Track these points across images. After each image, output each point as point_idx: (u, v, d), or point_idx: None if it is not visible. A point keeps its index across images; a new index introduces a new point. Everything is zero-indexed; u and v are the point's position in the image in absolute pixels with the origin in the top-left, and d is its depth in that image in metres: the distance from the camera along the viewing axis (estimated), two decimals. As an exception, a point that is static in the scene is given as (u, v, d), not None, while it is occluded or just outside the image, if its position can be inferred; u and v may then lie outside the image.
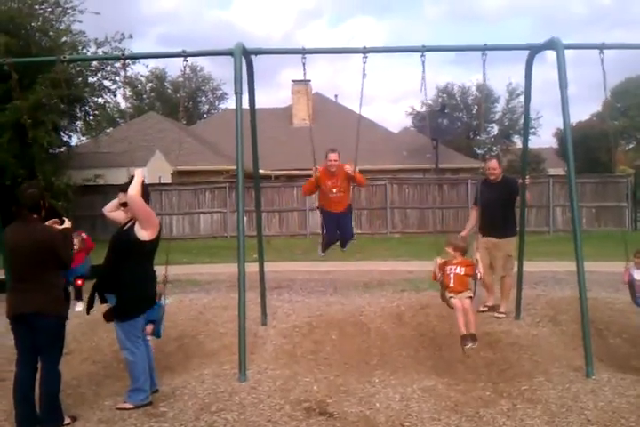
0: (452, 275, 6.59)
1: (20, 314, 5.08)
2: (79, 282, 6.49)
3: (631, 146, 54.34)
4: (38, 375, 5.14)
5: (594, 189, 22.69)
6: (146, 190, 5.62)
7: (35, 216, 5.20)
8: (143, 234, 5.45)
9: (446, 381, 6.13)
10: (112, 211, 5.93)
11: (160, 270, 5.85)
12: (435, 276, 6.72)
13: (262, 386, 6.00)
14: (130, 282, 5.43)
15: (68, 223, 5.39)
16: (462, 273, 6.56)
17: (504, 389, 5.85)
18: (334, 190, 7.98)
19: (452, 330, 7.89)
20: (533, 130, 43.57)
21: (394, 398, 5.60)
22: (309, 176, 8.13)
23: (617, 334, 7.49)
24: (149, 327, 6.14)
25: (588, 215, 22.11)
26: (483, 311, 8.38)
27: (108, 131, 25.96)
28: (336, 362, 6.86)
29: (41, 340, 5.10)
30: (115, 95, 21.10)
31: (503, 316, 8.35)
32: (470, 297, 6.52)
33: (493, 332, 7.92)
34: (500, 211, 8.25)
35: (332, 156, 7.90)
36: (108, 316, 5.50)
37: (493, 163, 8.52)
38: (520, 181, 8.28)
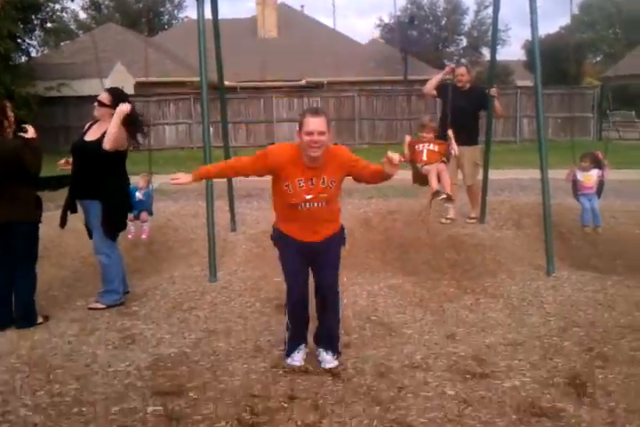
0: (424, 150, 6.48)
1: None
2: (144, 215, 6.49)
3: (598, 59, 54.31)
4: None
5: (560, 100, 22.79)
6: (135, 120, 5.51)
7: None
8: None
9: (412, 279, 6.31)
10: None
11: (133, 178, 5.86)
12: (403, 156, 6.53)
13: (233, 286, 6.12)
14: (111, 186, 5.44)
15: (32, 132, 5.20)
16: (435, 150, 6.46)
17: (468, 286, 6.05)
18: (308, 197, 4.05)
19: (419, 234, 8.06)
20: (502, 42, 43.02)
21: (361, 295, 5.77)
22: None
23: (579, 237, 7.68)
24: (144, 215, 6.38)
25: (554, 126, 22.25)
26: (444, 223, 8.43)
27: (67, 42, 24.97)
28: (305, 264, 6.96)
29: (15, 245, 5.10)
30: (72, 0, 20.22)
31: (474, 221, 8.50)
32: (443, 161, 6.45)
33: (457, 235, 8.09)
34: (467, 119, 8.21)
35: (314, 124, 3.90)
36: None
37: (462, 69, 8.35)
38: (487, 91, 8.22)
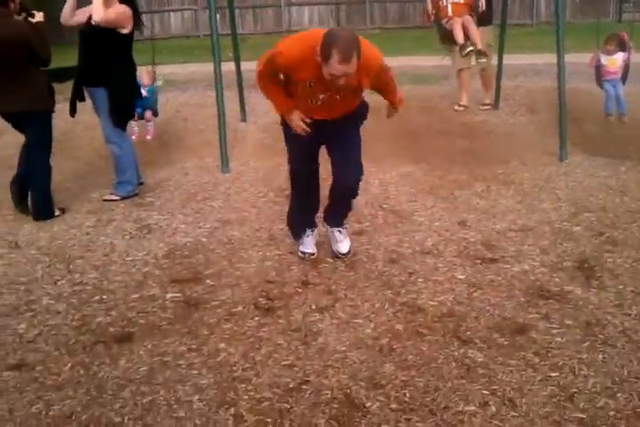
0: (448, 5, 6.24)
1: (5, 113, 5.08)
2: (148, 115, 6.34)
3: None
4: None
5: (580, -21, 21.65)
6: None
7: (4, 10, 4.88)
8: (123, 30, 5.24)
9: (423, 167, 6.29)
10: (71, 17, 5.40)
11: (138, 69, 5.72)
12: (428, 16, 6.39)
13: (245, 177, 6.15)
14: (118, 72, 5.34)
15: (40, 16, 5.02)
16: (461, 1, 6.22)
17: (479, 173, 6.04)
18: (321, 96, 3.69)
19: (430, 121, 7.98)
20: None
21: (373, 184, 5.78)
22: None
23: (593, 122, 7.55)
24: (149, 114, 6.28)
25: (571, 6, 21.21)
26: (457, 110, 8.27)
27: None
28: (316, 153, 6.93)
29: (29, 135, 5.14)
30: None
31: (488, 108, 8.36)
32: (470, 15, 6.25)
33: (471, 122, 8.01)
34: None
35: (342, 71, 3.31)
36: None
37: None
38: None
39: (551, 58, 11.36)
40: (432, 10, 6.30)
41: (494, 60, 8.22)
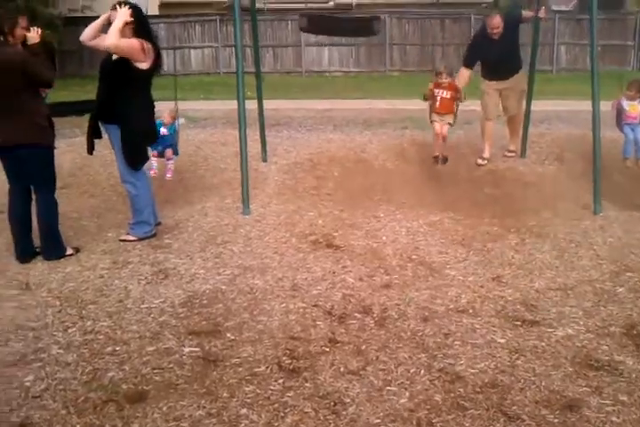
0: (438, 97, 7.15)
1: (1, 146, 4.79)
2: (169, 153, 6.17)
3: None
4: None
5: (599, 26, 21.60)
6: (142, 23, 5.17)
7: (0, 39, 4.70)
8: (141, 64, 5.07)
9: (452, 216, 6.05)
10: (92, 38, 5.25)
11: (158, 105, 5.53)
12: (425, 96, 7.28)
13: (266, 220, 5.93)
14: (134, 111, 5.11)
15: (33, 37, 4.80)
16: (448, 97, 7.12)
17: (511, 224, 5.79)
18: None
19: (455, 167, 7.76)
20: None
21: (400, 232, 5.55)
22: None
23: (621, 172, 7.33)
24: (169, 152, 6.13)
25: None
26: (480, 165, 8.07)
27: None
28: (339, 198, 6.74)
29: (29, 170, 4.86)
30: None
31: (513, 155, 8.15)
32: (449, 124, 7.27)
33: (497, 169, 7.80)
34: (506, 57, 7.69)
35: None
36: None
37: (496, 20, 7.52)
38: (530, 13, 7.65)
39: (574, 105, 11.36)
40: (430, 94, 7.18)
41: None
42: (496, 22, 7.53)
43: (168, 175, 6.42)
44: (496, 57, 7.55)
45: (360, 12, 23.22)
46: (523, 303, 4.12)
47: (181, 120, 6.78)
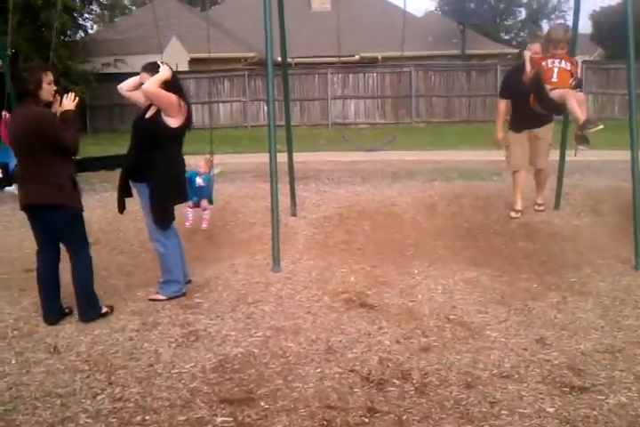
0: (555, 68, 5.83)
1: (27, 206, 4.76)
2: (204, 203, 6.20)
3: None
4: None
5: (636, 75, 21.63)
6: (175, 80, 5.20)
7: (29, 99, 4.64)
8: (171, 121, 5.07)
9: (488, 272, 5.88)
10: (130, 90, 5.36)
11: (188, 159, 5.51)
12: (525, 75, 6.04)
13: (297, 277, 5.80)
14: (163, 170, 5.07)
15: (67, 105, 4.76)
16: (567, 68, 5.79)
17: (551, 281, 5.60)
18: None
19: (487, 221, 7.64)
20: (563, 13, 41.36)
21: (436, 290, 5.38)
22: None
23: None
24: (204, 202, 6.11)
25: (621, 103, 21.15)
26: (539, 210, 7.93)
27: (121, 17, 24.87)
28: (370, 253, 6.62)
29: (57, 232, 4.81)
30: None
31: (542, 208, 7.98)
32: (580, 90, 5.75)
33: (531, 222, 7.62)
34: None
35: None
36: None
37: (537, 46, 7.60)
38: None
39: (604, 155, 11.22)
40: (530, 69, 6.10)
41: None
42: (537, 47, 7.16)
43: (204, 225, 6.37)
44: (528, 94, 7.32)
45: (385, 65, 23.59)
46: (570, 368, 3.91)
47: (217, 170, 6.77)
